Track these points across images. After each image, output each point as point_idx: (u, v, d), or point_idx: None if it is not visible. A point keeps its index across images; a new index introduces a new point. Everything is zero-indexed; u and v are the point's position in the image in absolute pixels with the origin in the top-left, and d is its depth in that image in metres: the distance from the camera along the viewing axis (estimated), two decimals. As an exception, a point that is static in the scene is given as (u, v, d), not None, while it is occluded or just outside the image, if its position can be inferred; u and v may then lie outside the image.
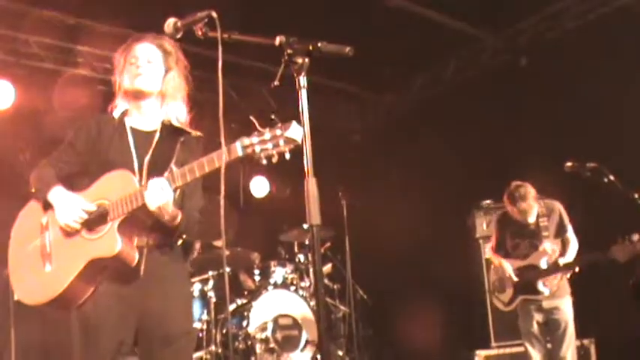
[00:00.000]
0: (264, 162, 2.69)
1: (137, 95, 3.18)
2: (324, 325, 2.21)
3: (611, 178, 4.83)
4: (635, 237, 4.95)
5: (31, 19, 6.66)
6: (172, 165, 2.94)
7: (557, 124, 6.73)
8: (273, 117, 2.74)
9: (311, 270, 6.95)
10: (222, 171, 2.70)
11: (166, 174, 2.89)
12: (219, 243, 7.51)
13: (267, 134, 2.67)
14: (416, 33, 6.96)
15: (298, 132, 2.61)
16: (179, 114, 3.24)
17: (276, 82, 2.44)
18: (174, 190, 2.90)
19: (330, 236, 7.47)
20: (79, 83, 7.30)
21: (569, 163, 4.98)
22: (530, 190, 5.35)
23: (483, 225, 6.90)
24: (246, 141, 2.70)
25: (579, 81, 6.56)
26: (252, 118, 2.72)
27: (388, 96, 9.20)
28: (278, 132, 2.65)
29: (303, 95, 2.43)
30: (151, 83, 3.17)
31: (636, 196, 4.76)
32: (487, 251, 6.75)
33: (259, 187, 9.45)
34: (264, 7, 6.13)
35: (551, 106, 6.87)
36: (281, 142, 2.65)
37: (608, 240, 5.10)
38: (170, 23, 2.79)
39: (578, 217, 5.53)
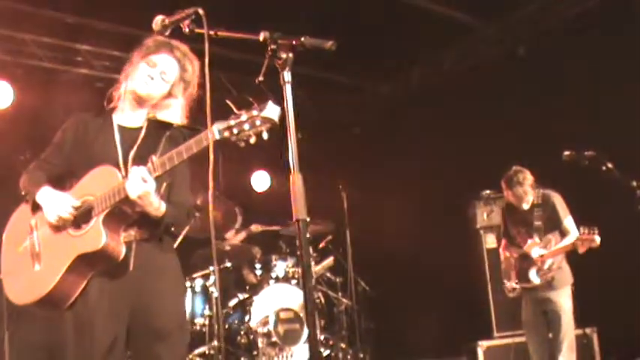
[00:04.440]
0: (242, 144, 2.73)
1: (139, 101, 3.21)
2: (312, 319, 2.22)
3: (609, 166, 4.83)
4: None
5: (29, 18, 6.66)
6: (153, 156, 2.95)
7: (555, 113, 6.70)
8: (250, 99, 2.78)
9: (312, 263, 6.98)
10: (211, 157, 2.70)
11: (148, 164, 2.91)
12: (229, 235, 7.57)
13: (244, 116, 2.70)
14: (414, 24, 6.93)
15: (274, 111, 2.65)
16: (169, 114, 3.27)
17: (261, 78, 2.46)
18: (156, 180, 2.91)
19: (330, 229, 7.49)
20: (77, 82, 7.32)
21: (567, 152, 4.98)
22: (529, 177, 5.36)
23: (484, 215, 6.90)
24: (222, 124, 2.72)
25: (577, 70, 6.54)
26: (228, 101, 2.75)
27: (387, 87, 9.19)
28: (254, 112, 2.68)
29: (288, 90, 2.45)
30: (157, 94, 3.21)
31: (634, 184, 4.76)
32: (488, 241, 6.76)
33: (260, 181, 9.46)
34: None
35: (549, 96, 6.85)
36: (257, 122, 2.68)
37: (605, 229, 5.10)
38: (158, 21, 2.87)
39: (575, 206, 5.52)
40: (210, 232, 2.81)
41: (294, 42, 2.47)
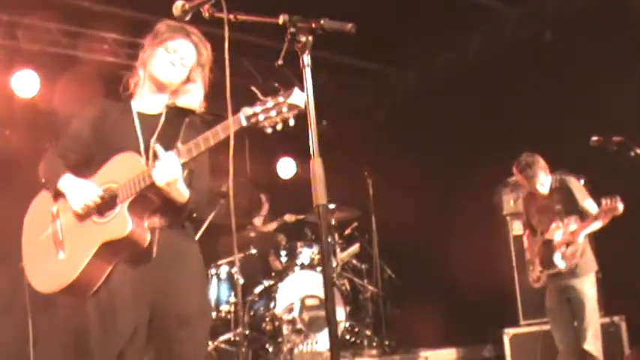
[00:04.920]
0: (269, 130, 2.73)
1: (160, 87, 3.22)
2: (331, 306, 2.21)
3: (638, 151, 4.74)
4: None
5: (54, 6, 6.71)
6: (178, 143, 2.96)
7: (583, 98, 6.61)
8: (276, 84, 2.78)
9: (338, 250, 6.99)
10: (232, 143, 2.71)
11: (174, 151, 2.91)
12: (257, 221, 7.61)
13: (270, 102, 2.71)
14: (438, 7, 6.86)
15: (300, 98, 2.64)
16: (187, 100, 3.27)
17: (280, 62, 2.46)
18: (183, 167, 2.91)
19: (356, 216, 7.48)
20: (103, 70, 7.35)
21: (594, 138, 4.90)
22: (539, 160, 5.33)
23: (510, 202, 6.82)
24: (249, 111, 2.74)
25: (604, 54, 6.43)
26: (253, 88, 2.76)
27: (412, 73, 9.12)
28: (280, 99, 2.70)
29: (308, 74, 2.44)
30: (178, 80, 3.22)
31: (663, 169, 4.68)
32: (514, 228, 6.70)
33: (286, 168, 9.46)
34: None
35: (576, 80, 6.75)
36: (284, 108, 2.69)
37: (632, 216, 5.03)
38: (178, 6, 2.88)
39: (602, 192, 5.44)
40: (232, 218, 2.80)
41: (313, 25, 2.48)
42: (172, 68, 3.16)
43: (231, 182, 2.63)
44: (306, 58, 2.45)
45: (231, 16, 2.67)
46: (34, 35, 7.12)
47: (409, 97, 9.15)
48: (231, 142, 2.74)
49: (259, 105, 2.73)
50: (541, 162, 5.33)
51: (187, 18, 2.93)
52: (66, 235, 3.08)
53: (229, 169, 2.68)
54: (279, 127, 2.72)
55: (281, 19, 2.50)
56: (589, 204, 5.27)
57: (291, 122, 2.70)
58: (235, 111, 2.75)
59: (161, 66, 3.16)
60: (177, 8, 2.86)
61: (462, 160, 7.66)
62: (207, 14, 2.78)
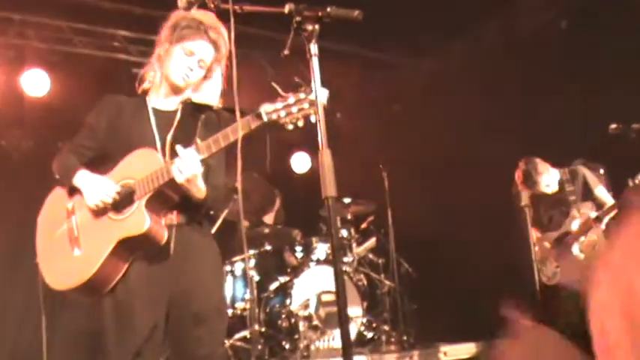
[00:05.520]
0: (291, 127, 2.70)
1: (177, 90, 3.22)
2: (343, 301, 2.18)
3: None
4: None
5: (63, 4, 6.70)
6: (197, 139, 2.93)
7: (601, 86, 6.51)
8: (297, 79, 2.76)
9: (354, 245, 6.95)
10: (239, 140, 2.70)
11: (193, 147, 2.90)
12: (268, 219, 7.57)
13: (292, 98, 2.73)
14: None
15: (324, 94, 2.61)
16: (204, 96, 3.24)
17: (286, 52, 2.43)
18: (201, 163, 2.91)
19: (372, 210, 7.44)
20: (113, 68, 7.35)
21: (613, 125, 4.85)
22: (536, 164, 5.37)
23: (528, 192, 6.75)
24: (270, 107, 2.75)
25: (624, 42, 6.34)
26: (274, 84, 2.74)
27: (427, 62, 9.04)
28: (302, 95, 2.71)
29: (315, 63, 2.42)
30: (196, 81, 3.21)
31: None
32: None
33: (300, 162, 9.43)
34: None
35: (594, 68, 6.66)
36: (305, 105, 2.71)
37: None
38: None
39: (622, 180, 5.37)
40: (240, 214, 2.78)
41: (319, 13, 2.48)
42: (190, 73, 3.15)
43: (239, 176, 2.61)
44: (313, 47, 2.45)
45: (237, 8, 2.66)
46: (44, 34, 7.13)
47: (424, 87, 9.06)
48: (239, 138, 2.73)
49: (280, 101, 2.73)
50: (539, 166, 5.32)
51: (193, 9, 2.91)
52: (82, 231, 3.08)
53: (254, 163, 2.68)
54: (300, 123, 2.71)
55: (287, 8, 2.50)
56: (601, 192, 5.22)
57: (313, 119, 2.69)
58: (253, 106, 2.73)
59: (179, 71, 3.15)
60: (182, 0, 2.86)
61: (478, 150, 7.57)
62: (212, 5, 2.78)
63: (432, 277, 7.58)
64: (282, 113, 2.71)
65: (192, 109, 3.21)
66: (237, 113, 2.70)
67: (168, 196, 3.00)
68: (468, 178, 7.64)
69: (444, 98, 8.41)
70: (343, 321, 2.10)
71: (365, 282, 6.86)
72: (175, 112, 3.20)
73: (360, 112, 8.86)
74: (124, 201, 3.01)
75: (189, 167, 2.85)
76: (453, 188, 7.75)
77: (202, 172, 2.98)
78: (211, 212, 3.25)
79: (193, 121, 3.15)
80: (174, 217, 3.05)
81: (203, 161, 2.91)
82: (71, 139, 3.31)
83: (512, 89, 7.36)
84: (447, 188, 7.78)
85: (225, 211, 6.28)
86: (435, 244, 7.80)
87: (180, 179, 2.86)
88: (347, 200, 7.02)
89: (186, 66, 3.13)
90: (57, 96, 7.08)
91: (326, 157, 2.36)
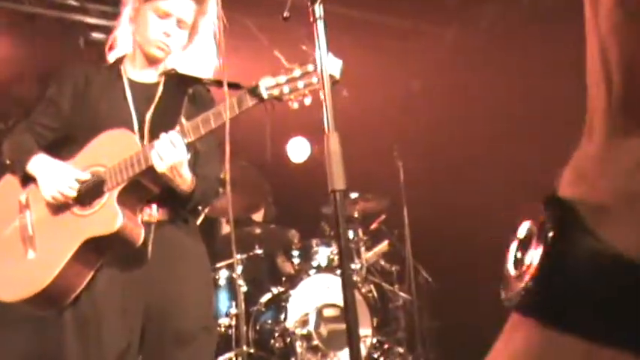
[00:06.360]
0: (296, 105, 2.68)
1: (155, 61, 3.17)
2: (354, 317, 2.16)
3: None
4: None
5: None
6: (182, 118, 2.90)
7: None
8: (304, 48, 2.75)
9: (363, 249, 6.95)
10: (227, 121, 2.67)
11: (177, 128, 2.84)
12: (257, 217, 7.56)
13: (297, 71, 2.71)
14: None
15: (335, 66, 2.58)
16: (191, 65, 3.21)
17: (286, 14, 2.41)
18: (188, 148, 2.85)
19: (384, 207, 7.42)
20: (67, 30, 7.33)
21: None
22: None
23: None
24: (271, 81, 2.71)
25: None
26: (277, 53, 2.72)
27: (452, 31, 9.02)
28: (310, 67, 2.66)
29: (320, 28, 2.40)
30: (177, 48, 3.17)
31: None
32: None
33: (298, 150, 9.38)
34: None
35: None
36: (314, 79, 2.66)
37: None
38: None
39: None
40: (230, 211, 2.76)
41: None
42: (168, 40, 3.10)
43: (227, 164, 2.59)
44: (318, 9, 2.42)
45: None
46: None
47: (449, 61, 9.04)
48: (227, 118, 2.69)
49: (283, 74, 2.70)
50: None
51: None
52: (37, 229, 3.06)
53: (226, 151, 2.64)
54: (307, 100, 2.69)
55: None
56: None
57: (308, 101, 2.66)
58: (253, 80, 2.71)
59: (153, 39, 3.10)
60: None
61: (509, 138, 7.55)
62: None
63: (457, 288, 7.58)
64: (286, 89, 2.68)
65: (178, 82, 3.15)
66: (225, 87, 2.68)
67: (146, 188, 2.97)
68: (499, 171, 7.63)
69: (472, 74, 8.40)
70: (353, 342, 2.08)
71: (375, 294, 6.85)
72: (157, 85, 3.16)
73: (371, 90, 8.84)
74: (91, 193, 2.96)
75: (171, 152, 2.80)
76: (481, 182, 7.74)
77: (189, 160, 2.95)
78: (199, 208, 3.23)
79: (178, 96, 3.09)
80: (153, 213, 3.03)
81: (189, 145, 2.87)
82: (28, 116, 3.27)
83: (559, 64, 7.34)
84: (474, 182, 7.76)
85: (207, 208, 6.27)
86: (460, 248, 7.80)
87: (160, 167, 2.82)
88: (354, 195, 7.00)
89: (162, 32, 3.07)
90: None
91: (333, 142, 2.34)
